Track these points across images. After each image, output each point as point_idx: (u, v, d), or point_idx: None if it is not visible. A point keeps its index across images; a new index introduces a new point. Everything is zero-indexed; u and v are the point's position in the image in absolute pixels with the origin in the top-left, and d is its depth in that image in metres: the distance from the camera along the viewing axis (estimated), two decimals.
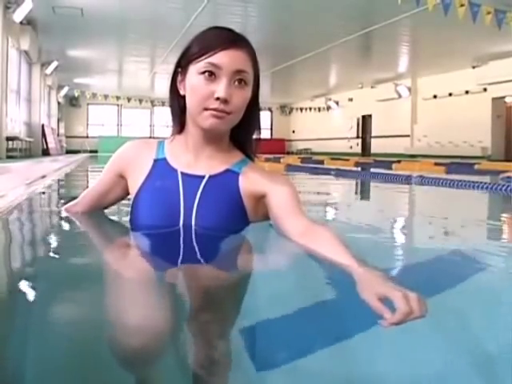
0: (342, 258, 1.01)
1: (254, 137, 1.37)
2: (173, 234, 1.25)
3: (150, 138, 24.20)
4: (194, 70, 1.22)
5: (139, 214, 1.29)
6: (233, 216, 1.28)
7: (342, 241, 1.08)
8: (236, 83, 1.21)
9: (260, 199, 1.29)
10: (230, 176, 1.30)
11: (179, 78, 1.29)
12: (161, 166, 1.32)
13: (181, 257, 1.17)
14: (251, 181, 1.30)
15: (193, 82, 1.22)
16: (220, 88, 1.18)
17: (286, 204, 1.25)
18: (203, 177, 1.29)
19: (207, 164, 1.31)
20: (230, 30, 1.26)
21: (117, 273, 1.05)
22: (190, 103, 1.24)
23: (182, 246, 1.21)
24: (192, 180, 1.29)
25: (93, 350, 0.70)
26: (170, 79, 1.32)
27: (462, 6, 8.03)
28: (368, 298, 0.78)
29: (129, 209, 1.35)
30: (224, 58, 1.20)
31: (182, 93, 1.28)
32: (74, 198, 1.47)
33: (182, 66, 1.28)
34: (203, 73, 1.20)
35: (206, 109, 1.20)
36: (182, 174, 1.30)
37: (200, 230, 1.24)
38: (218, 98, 1.18)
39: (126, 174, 1.36)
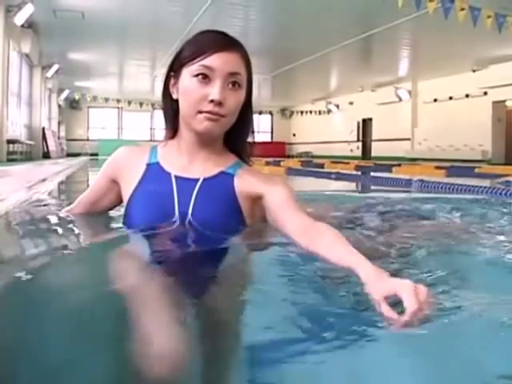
0: (347, 256, 0.95)
1: (249, 140, 1.36)
2: (172, 234, 1.23)
3: (151, 141, 24.25)
4: (187, 72, 1.21)
5: (133, 219, 1.28)
6: (229, 218, 1.27)
7: (343, 237, 1.04)
8: (230, 86, 1.20)
9: (256, 201, 1.28)
10: (225, 178, 1.29)
11: (172, 81, 1.28)
12: (154, 170, 1.31)
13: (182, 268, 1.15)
14: (247, 182, 1.29)
15: (186, 85, 1.22)
16: (214, 90, 1.18)
17: (284, 203, 1.22)
18: (197, 180, 1.28)
19: (201, 167, 1.30)
20: (222, 33, 1.26)
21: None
22: (184, 106, 1.23)
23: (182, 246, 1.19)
24: (186, 183, 1.28)
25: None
26: (163, 83, 1.31)
27: (462, 9, 8.04)
28: (377, 300, 0.77)
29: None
30: (217, 61, 1.19)
31: (174, 97, 1.28)
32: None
33: (174, 70, 1.27)
34: (197, 75, 1.19)
35: (200, 112, 1.19)
36: (176, 177, 1.29)
37: (200, 233, 1.22)
38: (212, 101, 1.18)
39: (118, 179, 1.36)
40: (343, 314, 0.83)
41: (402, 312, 0.73)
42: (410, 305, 0.71)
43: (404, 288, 0.74)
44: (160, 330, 0.78)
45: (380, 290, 0.77)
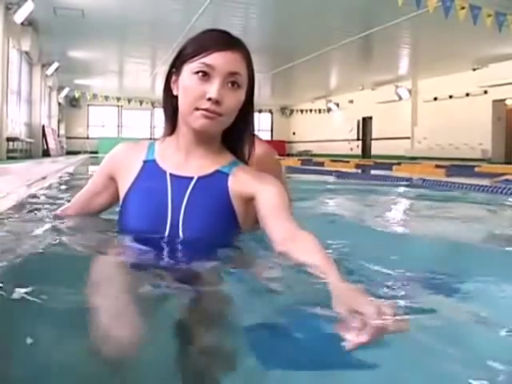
0: (318, 268, 0.95)
1: (250, 140, 1.35)
2: (160, 239, 1.23)
3: (151, 139, 24.25)
4: (188, 69, 1.22)
5: (127, 216, 1.28)
6: (221, 217, 1.26)
7: (323, 250, 1.04)
8: (229, 85, 1.20)
9: (249, 201, 1.27)
10: (220, 177, 1.29)
11: (173, 78, 1.28)
12: (150, 168, 1.32)
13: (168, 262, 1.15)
14: (240, 182, 1.28)
15: (186, 82, 1.22)
16: (212, 89, 1.18)
17: (272, 206, 1.21)
18: (192, 178, 1.28)
19: (197, 165, 1.30)
20: (225, 33, 1.26)
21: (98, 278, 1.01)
22: (182, 103, 1.24)
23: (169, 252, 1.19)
24: (181, 181, 1.28)
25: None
26: (164, 79, 1.31)
27: (462, 8, 8.03)
28: (341, 313, 0.75)
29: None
30: (218, 59, 1.19)
31: (175, 93, 1.28)
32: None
33: (176, 66, 1.27)
34: (197, 73, 1.20)
35: (198, 109, 1.20)
36: (171, 175, 1.29)
37: (187, 238, 1.22)
38: (209, 99, 1.18)
39: (116, 176, 1.36)
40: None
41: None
42: (372, 323, 0.70)
43: (367, 308, 0.73)
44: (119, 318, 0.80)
45: (345, 307, 0.76)
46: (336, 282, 0.88)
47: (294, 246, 1.07)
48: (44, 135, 16.16)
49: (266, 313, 0.87)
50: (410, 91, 19.29)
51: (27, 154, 13.64)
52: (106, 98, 21.62)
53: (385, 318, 0.71)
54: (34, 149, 14.82)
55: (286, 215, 1.19)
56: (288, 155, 25.12)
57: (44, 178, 4.26)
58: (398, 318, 0.71)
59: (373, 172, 7.75)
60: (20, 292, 0.87)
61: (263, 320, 0.84)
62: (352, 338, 0.68)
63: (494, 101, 15.77)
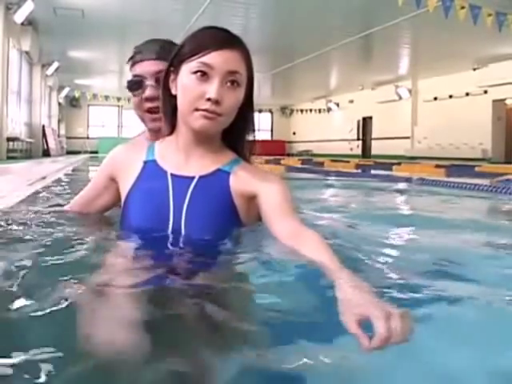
0: (326, 267, 0.95)
1: (251, 139, 1.35)
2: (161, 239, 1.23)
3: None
4: (186, 69, 1.20)
5: (129, 216, 1.28)
6: (224, 217, 1.25)
7: (328, 247, 1.04)
8: (228, 84, 1.19)
9: (251, 199, 1.26)
10: (221, 176, 1.28)
11: (171, 77, 1.27)
12: (150, 168, 1.31)
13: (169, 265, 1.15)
14: (242, 180, 1.27)
15: (184, 82, 1.21)
16: (212, 88, 1.17)
17: (276, 204, 1.21)
18: (193, 178, 1.27)
19: (198, 164, 1.29)
20: (224, 30, 1.24)
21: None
22: (181, 103, 1.22)
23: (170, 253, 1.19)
24: (182, 181, 1.27)
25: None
26: (163, 78, 1.30)
27: (462, 8, 8.04)
28: (347, 321, 0.72)
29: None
30: (217, 58, 1.18)
31: (173, 92, 1.26)
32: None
33: (174, 66, 1.26)
34: (195, 72, 1.18)
35: (197, 109, 1.18)
36: (172, 175, 1.28)
37: (188, 238, 1.21)
38: (209, 99, 1.17)
39: (117, 177, 1.36)
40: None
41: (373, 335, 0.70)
42: (379, 332, 0.68)
43: (376, 314, 0.71)
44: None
45: (351, 311, 0.74)
46: (343, 283, 0.85)
47: (299, 244, 1.07)
48: (44, 135, 16.16)
49: (270, 314, 0.86)
50: (410, 91, 19.29)
51: (27, 154, 13.64)
52: (106, 97, 21.59)
53: (393, 322, 0.69)
54: (34, 149, 14.82)
55: (289, 213, 1.19)
56: (288, 155, 25.12)
57: (44, 178, 4.26)
58: (404, 322, 0.70)
59: (373, 172, 7.75)
60: (19, 291, 0.87)
61: (267, 321, 0.84)
62: (365, 343, 0.68)
63: (494, 101, 15.78)
